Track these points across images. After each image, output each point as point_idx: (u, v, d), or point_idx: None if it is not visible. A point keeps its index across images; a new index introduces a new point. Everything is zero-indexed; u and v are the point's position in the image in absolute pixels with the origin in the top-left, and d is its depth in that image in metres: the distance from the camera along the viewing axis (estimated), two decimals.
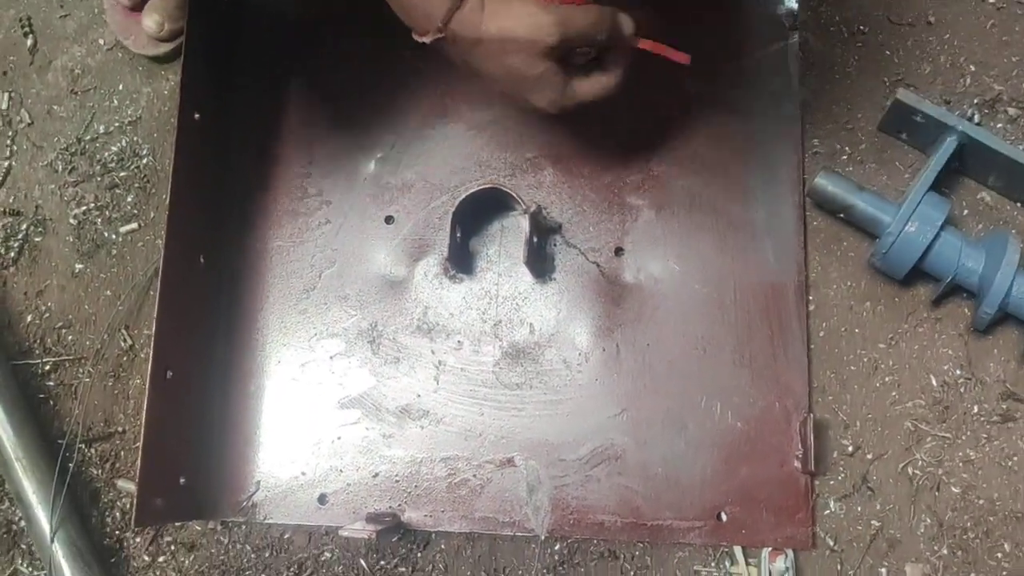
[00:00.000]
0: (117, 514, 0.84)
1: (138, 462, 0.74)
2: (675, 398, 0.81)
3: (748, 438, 0.79)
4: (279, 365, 0.85)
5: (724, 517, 0.78)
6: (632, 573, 0.79)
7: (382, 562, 0.81)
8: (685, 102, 0.87)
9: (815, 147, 0.86)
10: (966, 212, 0.83)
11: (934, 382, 0.80)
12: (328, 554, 0.82)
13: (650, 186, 0.86)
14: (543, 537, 0.79)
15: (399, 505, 0.81)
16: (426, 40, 0.65)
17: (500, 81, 0.68)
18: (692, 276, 0.83)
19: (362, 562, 0.81)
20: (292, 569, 0.82)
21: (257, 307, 0.87)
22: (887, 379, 0.80)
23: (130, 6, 0.91)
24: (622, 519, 0.79)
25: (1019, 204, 0.83)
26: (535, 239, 0.83)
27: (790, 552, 0.77)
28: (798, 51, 0.87)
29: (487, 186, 0.83)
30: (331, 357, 0.85)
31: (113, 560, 0.83)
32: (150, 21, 0.89)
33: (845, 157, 0.85)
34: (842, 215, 0.81)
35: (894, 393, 0.80)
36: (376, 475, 0.82)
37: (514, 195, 0.82)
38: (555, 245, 0.86)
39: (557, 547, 0.80)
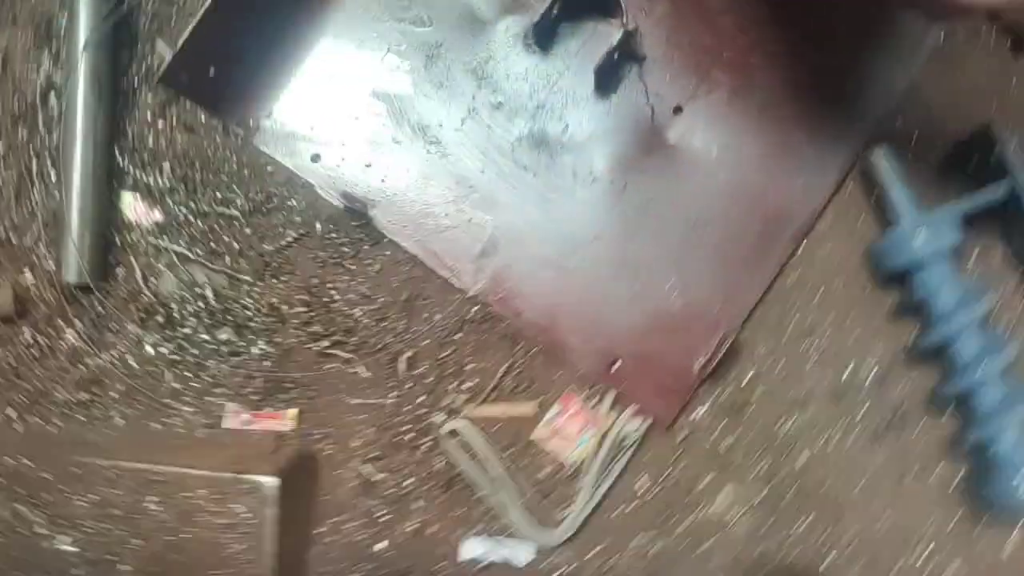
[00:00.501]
0: (143, 70, 0.90)
1: (184, 34, 0.79)
2: (642, 253, 0.87)
3: (677, 319, 0.86)
4: (339, 27, 0.89)
5: (616, 366, 0.86)
6: (521, 364, 0.88)
7: (333, 234, 0.89)
8: (818, 18, 0.87)
9: (896, 124, 0.87)
10: (977, 253, 0.86)
11: (849, 368, 0.86)
12: (294, 202, 0.89)
13: (739, 72, 0.87)
14: (469, 294, 0.87)
15: (373, 201, 0.88)
16: None
17: None
18: (723, 166, 0.87)
19: (318, 224, 0.89)
20: (259, 196, 0.89)
21: None
22: (816, 343, 0.87)
23: None
24: (539, 320, 0.87)
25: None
26: (616, 55, 0.85)
27: (648, 421, 0.86)
28: (940, 40, 0.86)
29: None
30: (388, 48, 0.89)
31: (121, 104, 0.90)
32: None
33: (912, 152, 0.87)
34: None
35: (814, 358, 0.87)
36: (368, 166, 0.88)
37: (623, 5, 0.84)
38: (629, 71, 0.88)
39: (475, 309, 0.88)
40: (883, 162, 0.82)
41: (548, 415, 0.87)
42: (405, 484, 0.88)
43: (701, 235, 0.86)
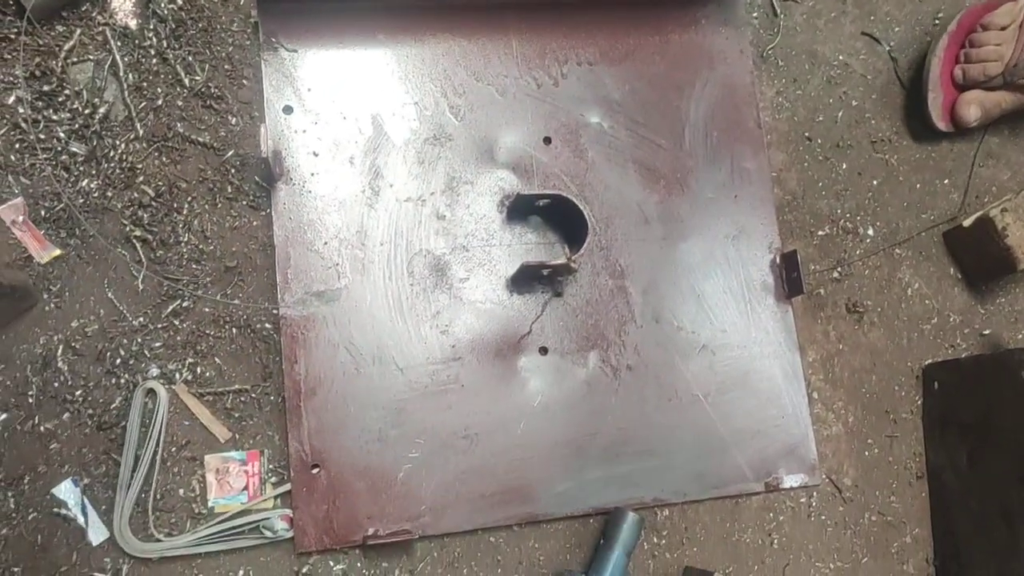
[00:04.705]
0: None
1: None
2: (427, 419, 0.89)
3: (395, 487, 0.87)
4: (407, 52, 0.93)
5: (316, 471, 0.86)
6: (256, 396, 0.87)
7: (233, 169, 0.89)
8: None
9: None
10: None
11: None
12: (235, 120, 0.90)
13: (603, 366, 0.94)
14: (280, 311, 0.87)
15: (287, 179, 0.89)
16: None
17: None
18: (536, 415, 0.91)
19: (232, 151, 0.89)
20: (215, 90, 0.90)
21: None
22: None
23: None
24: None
25: None
26: (545, 272, 0.90)
27: (289, 533, 0.85)
28: None
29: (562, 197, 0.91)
30: (416, 102, 0.93)
31: None
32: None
33: None
34: (599, 541, 0.88)
35: None
36: (315, 155, 0.90)
37: (581, 250, 0.90)
38: (543, 292, 0.93)
39: (267, 325, 0.88)
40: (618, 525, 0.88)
41: (232, 453, 0.86)
42: (75, 392, 0.83)
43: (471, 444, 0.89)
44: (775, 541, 0.96)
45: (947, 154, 1.09)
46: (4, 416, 0.82)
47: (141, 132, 0.88)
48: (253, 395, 0.87)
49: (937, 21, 1.10)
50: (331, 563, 0.86)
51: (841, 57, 1.08)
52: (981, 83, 1.03)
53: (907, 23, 1.10)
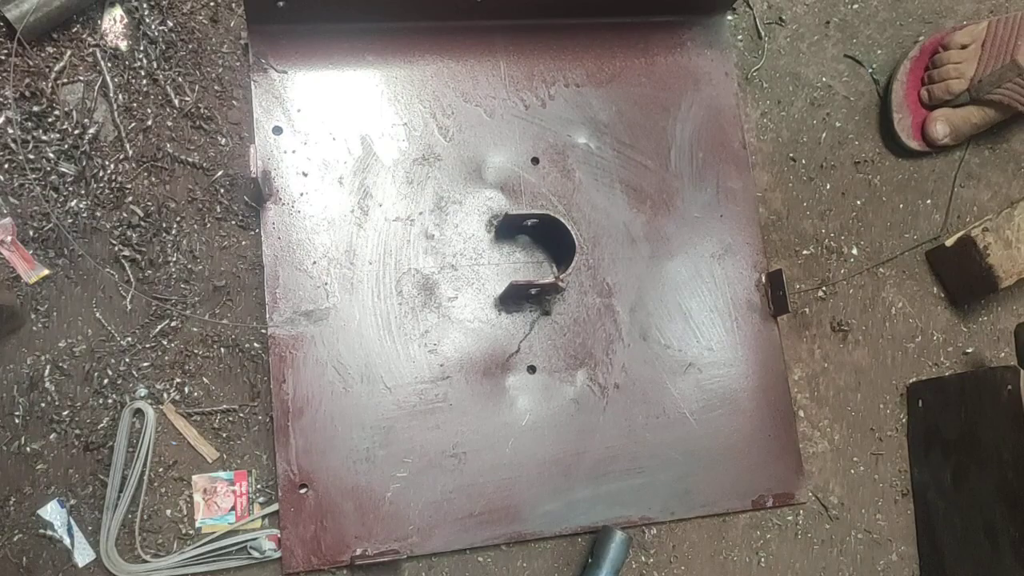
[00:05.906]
0: None
1: None
2: (414, 436, 0.89)
3: (386, 506, 0.87)
4: (396, 74, 0.94)
5: (303, 491, 0.86)
6: (243, 415, 0.87)
7: (223, 188, 0.90)
8: None
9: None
10: None
11: None
12: (224, 140, 0.91)
13: (590, 390, 0.94)
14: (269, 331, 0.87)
15: (276, 200, 0.90)
16: None
17: None
18: (524, 434, 0.91)
19: (221, 171, 0.90)
20: (206, 111, 0.91)
21: None
22: None
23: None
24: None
25: None
26: (532, 291, 0.91)
27: (277, 553, 0.84)
28: None
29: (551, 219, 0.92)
30: (406, 123, 0.94)
31: None
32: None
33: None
34: (589, 559, 0.89)
35: None
36: (305, 175, 0.91)
37: (568, 269, 0.90)
38: (531, 311, 0.94)
39: (256, 344, 0.88)
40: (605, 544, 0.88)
41: (220, 473, 0.85)
42: (62, 413, 0.83)
43: (460, 460, 0.89)
44: (762, 559, 0.97)
45: (928, 174, 1.10)
46: None
47: (131, 152, 0.88)
48: (241, 415, 0.87)
49: (917, 43, 1.12)
50: None
51: (824, 79, 1.09)
52: (947, 101, 1.05)
53: (888, 46, 1.12)
